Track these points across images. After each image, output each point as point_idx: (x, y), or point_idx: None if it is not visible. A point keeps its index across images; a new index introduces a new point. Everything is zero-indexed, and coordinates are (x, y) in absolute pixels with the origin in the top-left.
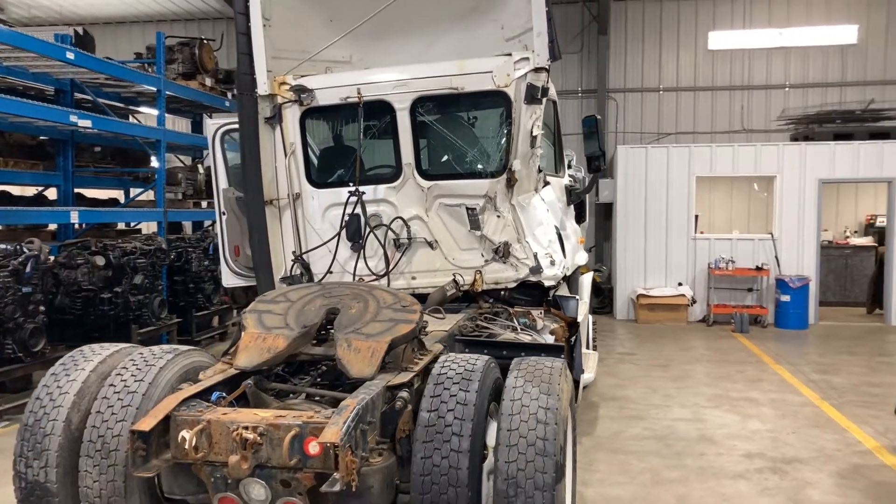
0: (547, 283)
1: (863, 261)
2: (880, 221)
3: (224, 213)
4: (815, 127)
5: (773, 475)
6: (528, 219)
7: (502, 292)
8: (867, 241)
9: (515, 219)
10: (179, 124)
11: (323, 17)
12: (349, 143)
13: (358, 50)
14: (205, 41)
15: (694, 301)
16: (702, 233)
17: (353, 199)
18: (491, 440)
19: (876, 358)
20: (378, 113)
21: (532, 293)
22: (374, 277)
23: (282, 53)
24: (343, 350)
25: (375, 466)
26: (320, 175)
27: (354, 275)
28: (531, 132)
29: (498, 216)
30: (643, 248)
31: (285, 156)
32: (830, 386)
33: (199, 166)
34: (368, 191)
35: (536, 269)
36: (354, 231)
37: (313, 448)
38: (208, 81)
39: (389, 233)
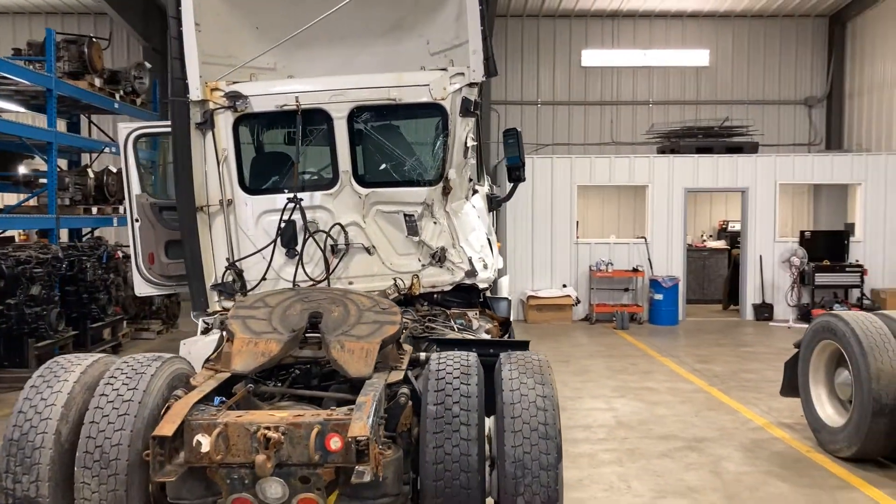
0: (481, 286)
1: (717, 262)
2: (731, 226)
3: (137, 220)
4: (679, 141)
5: (691, 452)
6: (461, 225)
7: (436, 295)
8: (721, 244)
9: (450, 225)
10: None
11: (250, 25)
12: (283, 150)
13: (282, 58)
14: (94, 39)
15: (578, 301)
16: (581, 238)
17: (291, 205)
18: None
19: (741, 348)
20: (314, 121)
21: (462, 296)
22: (312, 283)
23: (210, 59)
24: (337, 351)
25: (389, 458)
26: (254, 181)
27: (294, 281)
28: (465, 143)
29: (434, 222)
30: (531, 252)
31: (217, 162)
32: (713, 374)
33: (89, 170)
34: (305, 197)
35: (472, 273)
36: (290, 237)
37: (335, 444)
38: (97, 82)
39: (325, 239)
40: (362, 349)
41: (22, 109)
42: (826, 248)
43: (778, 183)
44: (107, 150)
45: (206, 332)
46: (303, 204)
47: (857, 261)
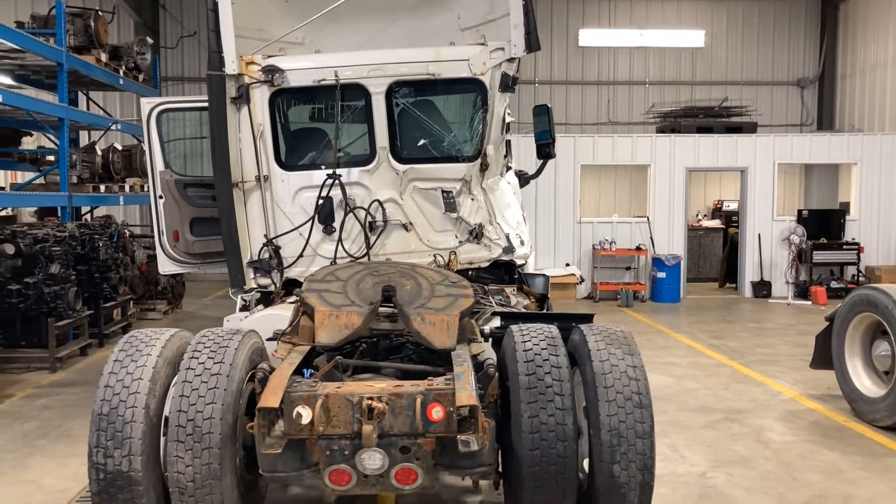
0: (518, 262)
1: (713, 241)
2: (727, 206)
3: (161, 197)
4: (680, 121)
5: (732, 424)
6: (497, 201)
7: (471, 272)
8: (716, 223)
9: (487, 201)
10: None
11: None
12: (320, 126)
13: (310, 32)
14: (100, 13)
15: (582, 280)
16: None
17: (329, 181)
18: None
19: (749, 324)
20: (352, 96)
21: (497, 272)
22: (351, 260)
23: (241, 32)
24: (419, 324)
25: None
26: (290, 157)
27: (334, 259)
28: (503, 119)
29: (472, 199)
30: (534, 231)
31: (253, 137)
32: (729, 349)
33: (97, 148)
34: (342, 174)
35: (509, 249)
36: (327, 214)
37: (437, 413)
38: (103, 57)
39: (364, 216)
40: (443, 321)
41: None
42: (823, 226)
43: (776, 162)
44: (113, 127)
45: (243, 308)
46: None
47: (853, 239)
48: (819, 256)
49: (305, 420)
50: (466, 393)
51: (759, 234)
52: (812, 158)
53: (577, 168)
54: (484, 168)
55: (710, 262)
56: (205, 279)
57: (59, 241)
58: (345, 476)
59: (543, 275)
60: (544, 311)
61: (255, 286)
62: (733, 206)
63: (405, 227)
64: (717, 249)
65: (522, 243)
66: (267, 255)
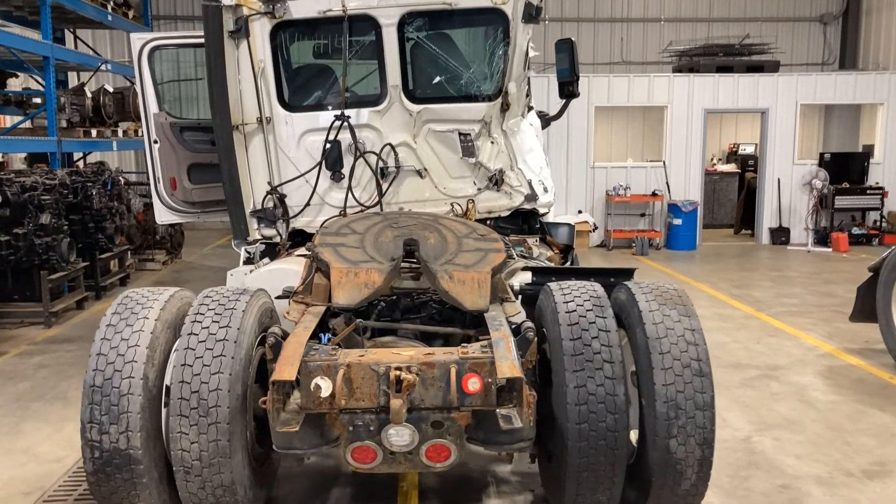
0: (541, 211)
1: (728, 186)
2: (742, 149)
3: (156, 142)
4: (699, 60)
5: (770, 381)
6: (519, 145)
7: (489, 222)
8: (732, 167)
9: (508, 145)
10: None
11: None
12: (327, 62)
13: None
14: None
15: (595, 227)
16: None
17: (337, 124)
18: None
19: (771, 273)
20: (361, 29)
21: (514, 221)
22: (361, 209)
23: None
24: (447, 282)
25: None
26: (294, 97)
27: (345, 207)
28: (526, 53)
29: (491, 142)
30: None
31: (254, 75)
32: (754, 299)
33: (86, 89)
34: (350, 115)
35: (531, 197)
36: (335, 159)
37: (473, 385)
38: None
39: (375, 161)
40: (473, 279)
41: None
42: (845, 170)
43: (799, 103)
44: (103, 67)
45: (248, 261)
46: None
47: (876, 183)
48: (841, 202)
49: (325, 393)
50: (509, 363)
51: (779, 179)
52: (836, 99)
53: (590, 110)
54: (505, 108)
55: (724, 207)
56: (204, 227)
57: (48, 189)
58: (369, 454)
59: (568, 224)
60: (569, 262)
61: (259, 237)
62: (749, 149)
63: (419, 173)
64: (732, 195)
65: (546, 190)
66: (271, 204)
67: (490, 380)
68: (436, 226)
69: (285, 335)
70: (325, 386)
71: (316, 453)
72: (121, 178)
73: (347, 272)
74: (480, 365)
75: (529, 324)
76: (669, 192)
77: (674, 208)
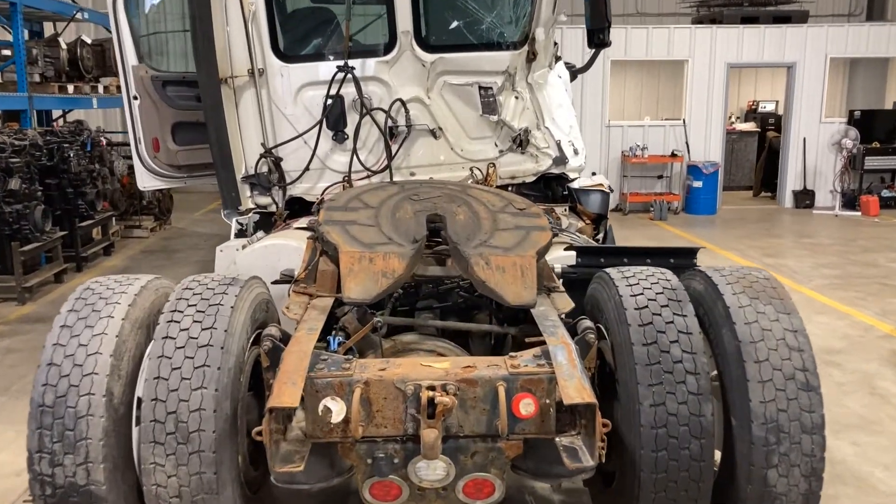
0: (571, 176)
1: (747, 146)
2: (762, 107)
3: (136, 98)
4: (723, 10)
5: (831, 369)
6: (546, 100)
7: (510, 188)
8: (751, 126)
9: (534, 100)
10: None
11: None
12: (327, 5)
13: None
14: None
15: (611, 190)
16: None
17: (340, 76)
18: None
19: (802, 239)
20: None
21: (538, 187)
22: (368, 175)
23: None
24: (483, 270)
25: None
26: (290, 46)
27: (349, 173)
28: None
29: (515, 97)
30: None
31: (244, 21)
32: (791, 270)
33: (60, 40)
34: (355, 66)
35: (560, 160)
36: (338, 117)
37: (526, 408)
38: None
39: (384, 119)
40: (515, 266)
41: None
42: (874, 128)
43: (829, 57)
44: (79, 15)
45: (239, 234)
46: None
47: None
48: (871, 162)
49: (337, 417)
50: (576, 383)
51: (805, 138)
52: (868, 52)
53: (606, 64)
54: (531, 58)
55: (742, 168)
56: (196, 191)
57: (17, 150)
58: (392, 490)
59: (601, 190)
60: (601, 235)
61: (252, 207)
62: (770, 107)
63: (433, 133)
64: (751, 155)
65: (576, 152)
66: (265, 169)
67: (548, 401)
68: (464, 198)
69: (284, 336)
70: (336, 409)
71: (325, 488)
72: (102, 138)
73: (361, 258)
74: (536, 383)
75: (589, 323)
76: (689, 152)
77: (694, 170)
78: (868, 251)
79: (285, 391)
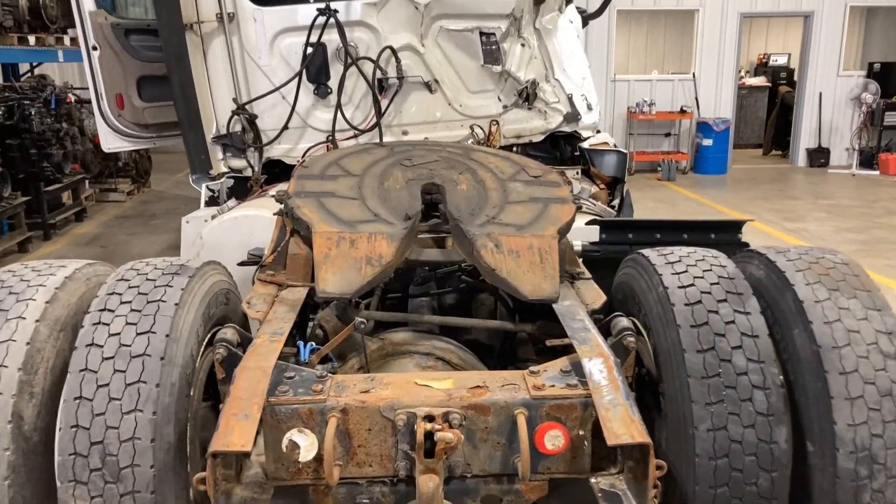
0: (584, 134)
1: (757, 102)
2: (774, 60)
3: (96, 48)
4: None
5: None
6: (556, 49)
7: (515, 148)
8: (761, 81)
9: (542, 48)
10: None
11: None
12: None
13: None
14: None
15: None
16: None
17: (322, 20)
18: None
19: (821, 201)
20: None
21: (547, 147)
22: (355, 134)
23: None
24: (492, 254)
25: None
26: None
27: (333, 132)
28: None
29: (522, 45)
30: None
31: None
32: (815, 236)
33: None
34: (338, 9)
35: (572, 116)
36: (320, 68)
37: (553, 441)
38: None
39: (372, 70)
40: (532, 249)
41: None
42: (892, 82)
43: (848, 5)
44: None
45: (210, 203)
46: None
47: None
48: (892, 118)
49: (306, 455)
50: (622, 414)
51: (821, 93)
52: None
53: (611, 14)
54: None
55: (751, 125)
56: (176, 151)
57: None
58: None
59: (618, 150)
60: (617, 201)
61: (225, 171)
62: (781, 60)
63: (428, 86)
64: (761, 111)
65: (589, 108)
66: (239, 128)
67: (581, 433)
68: (467, 163)
69: (244, 339)
70: (305, 445)
71: None
72: (70, 94)
73: (340, 240)
74: (567, 409)
75: (627, 323)
76: (699, 108)
77: (704, 127)
78: (893, 213)
79: (234, 428)
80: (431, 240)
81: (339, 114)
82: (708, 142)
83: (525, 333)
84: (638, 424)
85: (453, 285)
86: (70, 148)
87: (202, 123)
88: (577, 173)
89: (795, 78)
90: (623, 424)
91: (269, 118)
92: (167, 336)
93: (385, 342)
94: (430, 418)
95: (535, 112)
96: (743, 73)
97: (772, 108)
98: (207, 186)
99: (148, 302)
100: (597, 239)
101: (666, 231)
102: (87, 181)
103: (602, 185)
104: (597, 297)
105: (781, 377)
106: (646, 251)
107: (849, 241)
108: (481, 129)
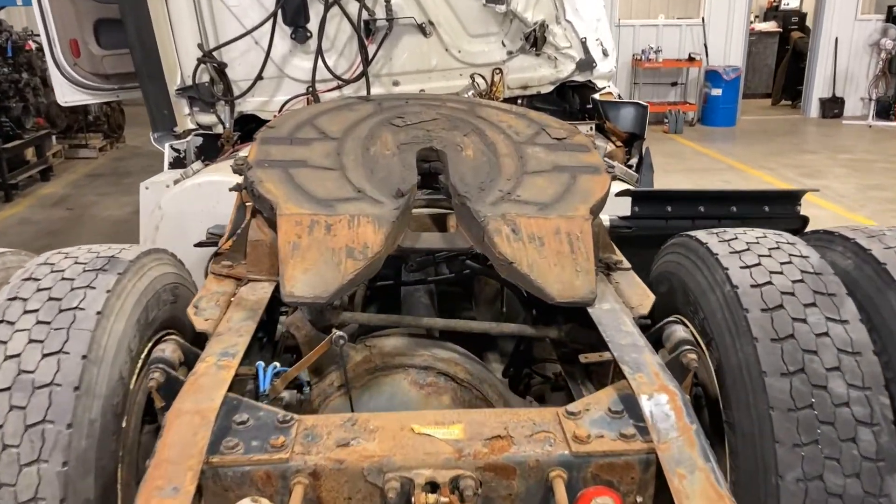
0: (599, 84)
1: (766, 48)
2: (784, 4)
3: None
4: None
5: None
6: None
7: (520, 101)
8: (771, 26)
9: None
10: None
11: None
12: None
13: None
14: None
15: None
16: None
17: None
18: None
19: (840, 155)
20: None
21: (555, 99)
22: (337, 85)
23: None
24: (508, 242)
25: None
26: None
27: (313, 82)
28: None
29: None
30: None
31: None
32: (838, 193)
33: None
34: None
35: (585, 64)
36: (297, 8)
37: None
38: None
39: (358, 10)
40: (559, 234)
41: None
42: None
43: None
44: None
45: (175, 164)
46: None
47: None
48: None
49: None
50: (702, 483)
51: (837, 38)
52: None
53: None
54: None
55: (759, 73)
56: None
57: None
58: None
59: (636, 103)
60: (635, 160)
61: (193, 127)
62: (793, 3)
63: (422, 28)
64: (770, 59)
65: (605, 54)
66: (206, 78)
67: (640, 499)
68: (473, 121)
69: (189, 355)
70: None
71: None
72: (31, 41)
73: (312, 225)
74: (621, 470)
75: (685, 334)
76: (707, 56)
77: (713, 76)
78: None
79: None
80: (429, 217)
81: (320, 61)
82: (717, 92)
83: (551, 337)
84: (727, 498)
85: (456, 270)
86: (32, 100)
87: (164, 73)
88: (591, 129)
89: (808, 23)
90: (705, 500)
91: (240, 67)
92: (84, 357)
93: (373, 351)
94: (432, 486)
95: (543, 59)
96: (752, 18)
97: (782, 55)
98: (171, 146)
99: (60, 310)
100: (627, 212)
101: (710, 203)
102: (53, 137)
103: (619, 143)
104: (643, 297)
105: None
106: (699, 234)
107: (875, 199)
108: (483, 78)
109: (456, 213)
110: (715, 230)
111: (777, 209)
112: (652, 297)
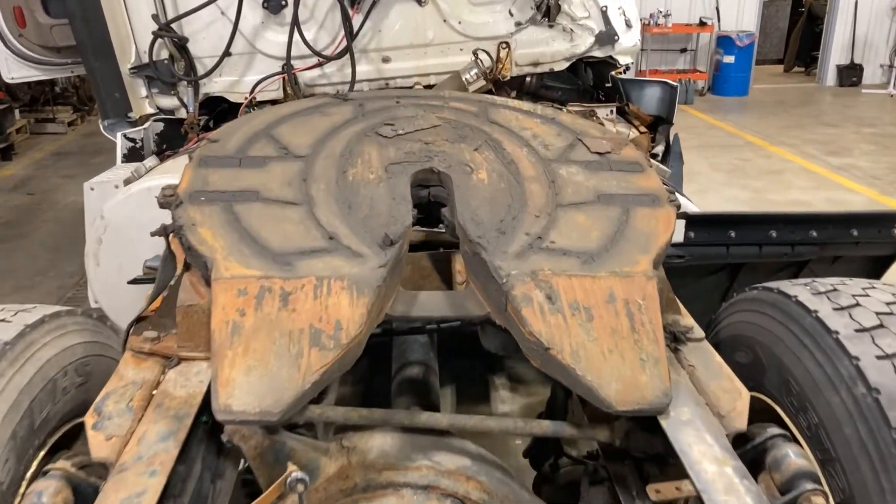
0: (621, 61)
1: (778, 11)
2: None
3: None
4: None
5: None
6: None
7: (530, 78)
8: None
9: None
10: None
11: None
12: None
13: None
14: None
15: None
16: None
17: None
18: None
19: (864, 129)
20: None
21: (569, 78)
22: (318, 62)
23: None
24: (539, 316)
25: None
26: None
27: (288, 59)
28: None
29: None
30: None
31: None
32: (867, 174)
33: None
34: None
35: (606, 37)
36: None
37: None
38: None
39: None
40: (612, 300)
41: None
42: None
43: None
44: None
45: (130, 156)
46: None
47: None
48: None
49: None
50: None
51: (856, 1)
52: None
53: None
54: None
55: (771, 38)
56: None
57: None
58: None
59: (664, 82)
60: (661, 148)
61: (152, 112)
62: None
63: None
64: (782, 23)
65: (629, 25)
66: (165, 55)
67: None
68: (486, 128)
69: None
70: None
71: None
72: None
73: (262, 294)
74: None
75: (799, 460)
76: (719, 20)
77: (725, 42)
78: None
79: None
80: (429, 259)
81: (296, 34)
82: (729, 59)
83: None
84: None
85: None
86: None
87: (114, 49)
88: (612, 112)
89: None
90: None
91: (204, 41)
92: None
93: (351, 458)
94: None
95: (557, 31)
96: None
97: (795, 18)
98: (125, 135)
99: None
100: (680, 238)
101: (784, 227)
102: (16, 111)
103: (643, 128)
104: (732, 395)
105: None
106: (799, 293)
107: None
108: (487, 54)
109: (466, 265)
110: (820, 286)
111: (868, 233)
112: (746, 398)
